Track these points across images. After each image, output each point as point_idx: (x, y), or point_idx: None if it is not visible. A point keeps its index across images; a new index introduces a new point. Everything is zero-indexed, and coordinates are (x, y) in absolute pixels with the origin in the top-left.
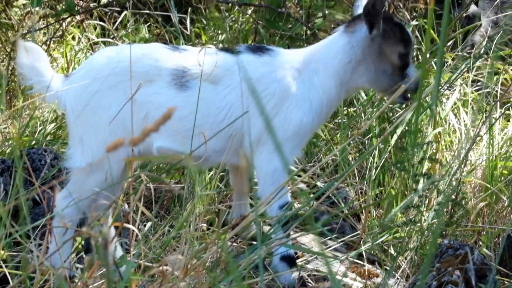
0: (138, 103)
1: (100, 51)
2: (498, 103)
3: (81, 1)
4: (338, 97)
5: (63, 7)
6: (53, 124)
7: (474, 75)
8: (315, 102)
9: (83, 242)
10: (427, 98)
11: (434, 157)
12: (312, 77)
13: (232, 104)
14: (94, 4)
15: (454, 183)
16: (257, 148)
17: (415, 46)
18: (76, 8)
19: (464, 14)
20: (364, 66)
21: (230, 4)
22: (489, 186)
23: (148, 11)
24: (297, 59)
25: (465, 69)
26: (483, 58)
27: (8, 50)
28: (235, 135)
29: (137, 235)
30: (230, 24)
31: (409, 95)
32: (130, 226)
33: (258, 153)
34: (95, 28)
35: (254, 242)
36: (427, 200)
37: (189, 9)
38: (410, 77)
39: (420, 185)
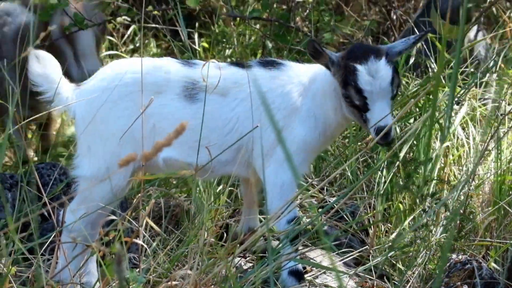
0: (146, 114)
1: (112, 63)
2: (507, 117)
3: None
4: (336, 120)
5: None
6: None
7: (483, 91)
8: (320, 119)
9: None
10: (436, 113)
11: (442, 179)
12: (317, 94)
13: (239, 116)
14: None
15: (462, 197)
16: (264, 161)
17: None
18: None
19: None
20: (339, 97)
21: (238, 18)
22: (497, 200)
23: (156, 25)
24: (306, 74)
25: (473, 85)
26: (490, 72)
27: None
28: (242, 147)
29: (146, 250)
30: (237, 38)
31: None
32: (139, 241)
33: (266, 166)
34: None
35: (261, 254)
36: (435, 215)
37: (197, 24)
38: (369, 123)
39: (428, 204)
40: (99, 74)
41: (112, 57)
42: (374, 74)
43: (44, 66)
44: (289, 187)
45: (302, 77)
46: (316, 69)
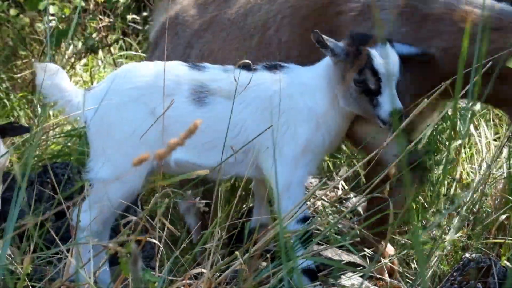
0: (157, 117)
1: (123, 66)
2: None
3: (105, 18)
4: (337, 117)
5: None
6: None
7: None
8: (322, 119)
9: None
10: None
11: (455, 178)
12: (315, 93)
13: (246, 119)
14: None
15: (475, 196)
16: (271, 163)
17: None
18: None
19: None
20: (337, 88)
21: None
22: (510, 198)
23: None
24: (307, 75)
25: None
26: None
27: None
28: (249, 150)
29: (160, 249)
30: None
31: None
32: (154, 240)
33: (273, 168)
34: (117, 42)
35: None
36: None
37: None
38: (382, 106)
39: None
40: (110, 77)
41: (126, 57)
42: (385, 57)
43: (52, 76)
44: (297, 188)
45: (304, 78)
46: (315, 68)
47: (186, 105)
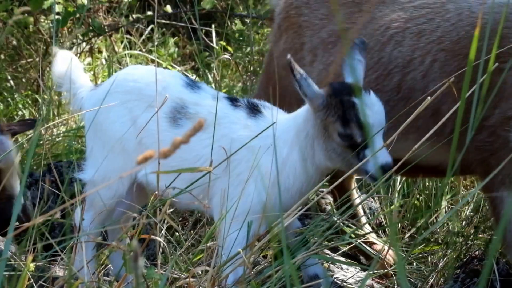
0: (138, 127)
1: (127, 68)
2: None
3: (109, 17)
4: (306, 173)
5: (90, 28)
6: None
7: None
8: (282, 178)
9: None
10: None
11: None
12: (283, 148)
13: (209, 157)
14: (122, 19)
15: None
16: (221, 211)
17: None
18: (102, 29)
19: None
20: (316, 142)
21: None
22: None
23: (174, 22)
24: (280, 127)
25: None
26: None
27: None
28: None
29: (164, 247)
30: (255, 36)
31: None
32: (157, 238)
33: (221, 217)
34: (121, 42)
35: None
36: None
37: (213, 25)
38: (370, 161)
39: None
40: (111, 78)
41: (131, 56)
42: (371, 107)
43: (65, 66)
44: (239, 245)
45: (275, 131)
46: (291, 117)
47: (163, 121)
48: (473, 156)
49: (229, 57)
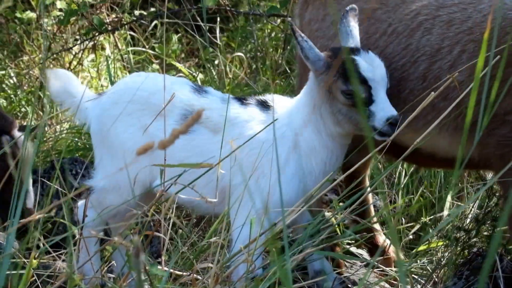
0: (149, 135)
1: (131, 75)
2: None
3: (112, 14)
4: (326, 148)
5: (92, 25)
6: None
7: None
8: (304, 162)
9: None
10: None
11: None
12: (300, 126)
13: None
14: (124, 16)
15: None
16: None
17: None
18: (104, 27)
19: None
20: (323, 108)
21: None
22: None
23: (178, 20)
24: (289, 110)
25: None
26: None
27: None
28: (223, 188)
29: (168, 244)
30: (258, 33)
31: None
32: (160, 234)
33: (237, 215)
34: (125, 38)
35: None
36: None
37: (218, 19)
38: (376, 116)
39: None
40: (116, 86)
41: (134, 53)
42: (371, 63)
43: (62, 82)
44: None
45: (287, 119)
46: (296, 100)
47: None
48: (494, 151)
49: (241, 54)
